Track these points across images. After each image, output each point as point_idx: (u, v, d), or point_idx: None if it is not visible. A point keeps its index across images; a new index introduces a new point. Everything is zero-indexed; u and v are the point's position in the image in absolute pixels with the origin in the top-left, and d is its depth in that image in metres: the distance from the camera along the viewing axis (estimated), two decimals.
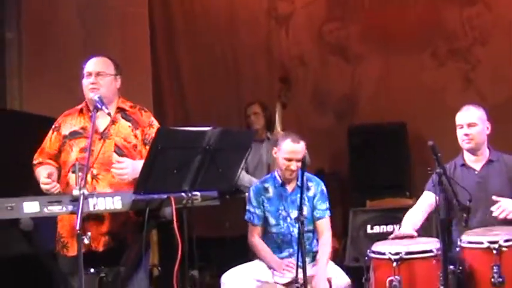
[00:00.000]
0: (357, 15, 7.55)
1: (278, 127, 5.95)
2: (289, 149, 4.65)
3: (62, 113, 4.19)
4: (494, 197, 4.26)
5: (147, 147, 4.04)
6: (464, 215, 4.10)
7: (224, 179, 3.86)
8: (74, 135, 4.01)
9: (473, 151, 4.52)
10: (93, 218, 3.84)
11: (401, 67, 7.35)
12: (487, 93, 6.92)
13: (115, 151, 3.98)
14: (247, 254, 5.07)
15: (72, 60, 6.54)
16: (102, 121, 4.00)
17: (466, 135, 4.47)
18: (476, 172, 4.51)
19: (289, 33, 7.73)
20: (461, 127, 4.50)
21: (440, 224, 3.75)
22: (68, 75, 6.45)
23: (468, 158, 4.56)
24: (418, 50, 7.32)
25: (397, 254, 4.00)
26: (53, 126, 4.12)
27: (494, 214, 4.26)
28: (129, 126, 4.06)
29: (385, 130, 7.08)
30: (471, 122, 4.47)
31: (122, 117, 4.07)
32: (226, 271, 4.65)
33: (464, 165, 4.55)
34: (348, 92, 7.59)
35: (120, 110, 4.10)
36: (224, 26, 7.78)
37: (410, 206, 6.20)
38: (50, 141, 4.09)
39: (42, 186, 3.81)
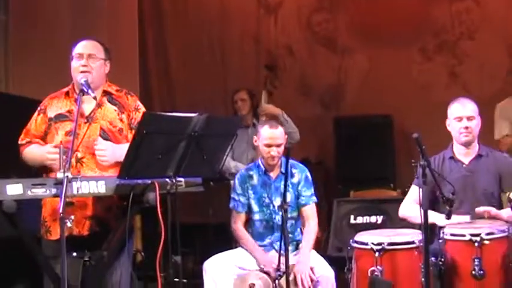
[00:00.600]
0: (346, 7, 7.60)
1: (264, 120, 5.95)
2: (268, 135, 4.67)
3: (49, 94, 4.15)
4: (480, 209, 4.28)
5: (134, 132, 4.05)
6: (448, 207, 4.11)
7: (209, 166, 3.83)
8: (59, 118, 3.97)
9: (467, 144, 4.52)
10: (78, 202, 3.81)
11: (389, 60, 7.40)
12: (473, 88, 6.97)
13: (100, 135, 3.94)
14: (230, 241, 5.09)
15: (60, 42, 6.51)
16: (88, 105, 3.96)
17: (466, 128, 4.45)
18: (464, 165, 4.52)
19: (277, 22, 7.76)
20: (460, 120, 4.47)
21: (423, 216, 3.75)
22: (55, 57, 6.42)
23: (458, 151, 4.56)
24: (406, 43, 7.38)
25: (379, 244, 4.02)
26: (39, 108, 4.06)
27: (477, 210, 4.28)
28: (115, 110, 4.02)
29: (371, 122, 7.12)
30: (470, 115, 4.47)
31: (108, 101, 4.03)
32: (209, 258, 4.64)
33: (452, 157, 4.56)
34: (334, 82, 7.64)
35: (106, 93, 4.06)
36: (213, 13, 7.80)
37: (394, 198, 6.34)
38: (36, 123, 4.03)
39: (49, 156, 3.79)
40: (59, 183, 3.50)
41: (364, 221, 6.08)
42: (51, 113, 3.99)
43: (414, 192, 4.47)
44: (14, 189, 3.50)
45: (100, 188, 3.65)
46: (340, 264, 4.61)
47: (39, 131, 4.01)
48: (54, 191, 3.52)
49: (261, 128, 4.76)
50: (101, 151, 3.85)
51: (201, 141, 3.70)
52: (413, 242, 4.04)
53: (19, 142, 4.04)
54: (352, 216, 6.15)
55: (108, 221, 3.95)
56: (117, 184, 3.67)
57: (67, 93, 4.03)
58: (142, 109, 4.12)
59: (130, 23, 7.52)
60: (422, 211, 3.75)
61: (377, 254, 3.99)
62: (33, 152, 3.97)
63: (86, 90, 3.80)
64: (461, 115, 4.48)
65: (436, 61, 7.34)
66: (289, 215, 4.43)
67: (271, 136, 4.67)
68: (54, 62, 6.38)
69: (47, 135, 3.99)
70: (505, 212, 4.32)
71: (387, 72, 7.38)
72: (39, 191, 3.53)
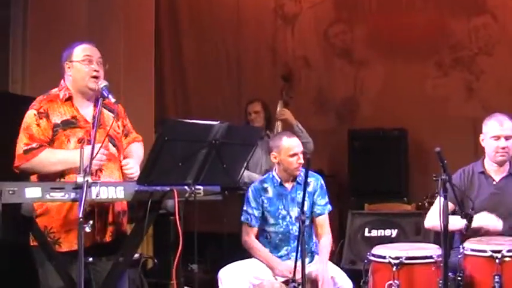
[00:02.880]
0: (363, 19, 7.57)
1: (279, 127, 5.94)
2: (291, 145, 4.68)
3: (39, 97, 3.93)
4: None
5: (127, 138, 4.07)
6: (466, 222, 4.08)
7: (228, 175, 3.82)
8: (67, 125, 3.80)
9: (502, 163, 4.46)
10: (98, 209, 3.78)
11: (405, 74, 7.36)
12: (490, 104, 6.90)
13: (109, 141, 3.90)
14: (242, 251, 5.03)
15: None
16: (87, 110, 3.88)
17: (503, 148, 4.39)
18: (494, 182, 4.47)
19: (294, 33, 7.75)
20: (498, 138, 4.39)
21: (443, 230, 3.72)
22: None
23: (489, 167, 4.50)
24: (423, 57, 7.33)
25: (397, 258, 3.99)
26: (37, 112, 3.77)
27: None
28: (113, 117, 3.90)
29: (385, 135, 7.08)
30: (508, 134, 4.39)
31: (104, 108, 3.90)
32: (220, 267, 4.62)
33: (483, 172, 4.50)
34: (350, 95, 7.62)
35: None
36: (230, 22, 7.81)
37: (409, 212, 6.33)
38: (40, 127, 3.75)
39: (99, 157, 3.65)
40: (77, 187, 3.45)
41: (379, 234, 6.06)
42: (56, 119, 3.79)
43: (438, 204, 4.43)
44: (33, 192, 3.47)
45: (119, 193, 3.63)
46: (354, 277, 4.61)
47: (46, 136, 3.76)
48: (73, 195, 3.48)
49: (280, 140, 4.74)
50: (130, 169, 3.84)
51: (221, 150, 3.68)
52: (431, 257, 4.01)
53: (26, 148, 3.72)
54: (366, 229, 6.14)
55: (121, 226, 3.95)
56: (135, 190, 3.65)
57: (68, 98, 3.85)
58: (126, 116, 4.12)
59: (146, 31, 7.53)
60: (442, 225, 3.71)
61: (394, 268, 3.96)
62: (60, 155, 3.75)
63: (106, 95, 3.72)
64: (500, 134, 4.40)
65: (453, 76, 7.28)
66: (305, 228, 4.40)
67: (295, 145, 4.69)
68: None
69: (54, 142, 3.79)
70: None
71: (403, 86, 7.35)
72: (57, 195, 3.49)
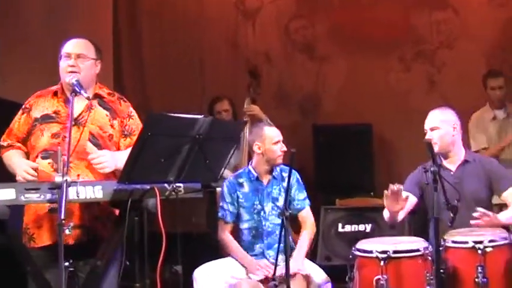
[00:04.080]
0: (325, 14, 7.53)
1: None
2: (274, 133, 4.69)
3: (24, 94, 4.02)
4: (479, 210, 4.20)
5: (128, 139, 3.91)
6: (451, 214, 4.06)
7: (210, 171, 3.73)
8: (45, 119, 3.80)
9: (442, 154, 4.50)
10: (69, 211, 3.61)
11: (368, 68, 7.36)
12: (451, 97, 6.96)
13: (89, 139, 3.78)
14: (213, 251, 4.93)
15: (33, 40, 6.37)
16: (76, 106, 3.75)
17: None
18: (452, 173, 4.49)
19: (256, 29, 7.66)
20: (426, 132, 4.51)
21: (434, 223, 3.69)
22: (27, 54, 6.25)
23: (443, 159, 4.54)
24: (385, 52, 7.34)
25: (384, 252, 3.94)
26: (23, 107, 3.89)
27: (472, 221, 4.22)
28: (107, 115, 3.87)
29: (350, 130, 7.09)
30: (433, 126, 4.48)
31: (99, 105, 3.87)
32: (191, 267, 4.50)
33: (440, 165, 4.52)
34: (312, 90, 7.58)
35: (97, 96, 3.91)
36: (191, 17, 7.67)
37: (382, 206, 6.28)
38: (19, 123, 3.86)
39: (24, 175, 3.60)
40: (54, 187, 3.35)
41: (353, 230, 6.02)
42: (36, 113, 3.82)
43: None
44: (6, 194, 3.36)
45: (97, 193, 3.51)
46: (330, 273, 4.55)
47: (22, 131, 3.85)
48: (48, 196, 3.38)
49: (262, 130, 4.70)
50: (99, 158, 3.68)
51: (204, 145, 3.58)
52: (418, 250, 3.98)
53: (1, 142, 3.90)
54: (340, 225, 6.10)
55: (96, 230, 3.80)
56: (114, 189, 3.52)
57: (55, 93, 3.87)
58: (136, 116, 4.00)
59: (105, 22, 7.36)
60: (433, 219, 3.68)
61: (382, 262, 3.91)
62: (12, 160, 3.79)
63: (78, 90, 3.65)
64: (425, 127, 4.53)
65: (415, 70, 7.32)
66: (278, 222, 4.32)
67: (277, 133, 4.71)
68: (26, 59, 6.23)
69: (31, 136, 3.82)
70: (504, 216, 4.30)
71: (365, 80, 7.34)
72: (33, 196, 3.39)
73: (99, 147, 3.79)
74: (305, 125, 7.34)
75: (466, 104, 6.76)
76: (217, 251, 4.87)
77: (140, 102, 7.60)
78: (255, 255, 4.63)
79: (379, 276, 3.88)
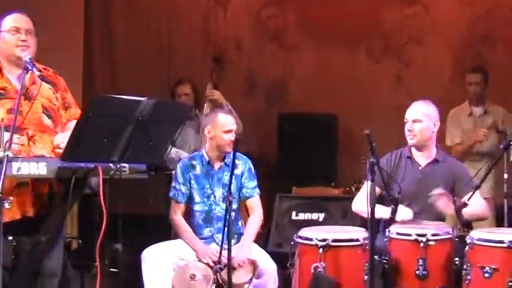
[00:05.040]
0: (296, 3, 7.55)
1: (207, 107, 5.86)
2: (228, 121, 4.70)
3: None
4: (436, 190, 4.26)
5: (67, 112, 3.95)
6: (393, 206, 4.11)
7: (154, 153, 3.73)
8: None
9: (417, 147, 4.54)
10: (17, 185, 3.64)
11: (336, 60, 7.39)
12: (417, 93, 6.95)
13: (43, 112, 3.81)
14: (168, 233, 4.98)
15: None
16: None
17: (409, 131, 4.50)
18: (420, 168, 4.54)
19: (227, 15, 7.67)
20: (407, 122, 4.51)
21: (370, 213, 3.74)
22: None
23: (415, 152, 4.58)
24: (354, 44, 7.37)
25: (323, 240, 3.99)
26: None
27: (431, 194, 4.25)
28: (50, 89, 3.87)
29: (315, 120, 7.11)
30: (416, 118, 4.49)
31: (40, 79, 3.79)
32: (145, 248, 4.56)
33: (410, 157, 4.58)
34: (280, 78, 7.60)
35: (38, 71, 3.89)
36: (163, 4, 7.71)
37: (336, 196, 6.38)
38: None
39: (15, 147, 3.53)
40: None
41: (306, 218, 6.08)
42: None
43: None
44: None
45: (41, 169, 3.50)
46: (280, 260, 4.59)
47: None
48: None
49: (216, 116, 4.74)
50: (61, 145, 3.68)
51: (148, 127, 3.59)
52: (357, 240, 4.03)
53: None
54: (294, 213, 6.15)
55: (45, 205, 3.80)
56: (58, 166, 3.52)
57: None
58: (68, 90, 4.02)
59: (76, 10, 7.35)
60: (369, 208, 3.73)
61: (321, 250, 3.97)
62: None
63: (30, 68, 3.64)
64: (407, 117, 4.53)
65: (383, 64, 7.35)
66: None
67: (230, 122, 4.71)
68: None
69: None
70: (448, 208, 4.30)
71: (334, 72, 7.38)
72: None
73: (51, 119, 3.82)
74: (271, 113, 7.38)
75: (432, 100, 6.84)
76: (171, 234, 4.92)
77: (110, 89, 7.64)
78: (204, 238, 4.68)
79: (317, 264, 3.94)
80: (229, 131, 4.66)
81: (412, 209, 4.33)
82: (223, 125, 4.67)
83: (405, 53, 7.31)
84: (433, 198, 4.22)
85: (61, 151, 3.63)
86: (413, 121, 4.48)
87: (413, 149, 4.57)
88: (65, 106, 3.95)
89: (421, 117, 4.48)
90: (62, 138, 3.70)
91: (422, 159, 4.55)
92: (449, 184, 4.43)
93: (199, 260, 4.52)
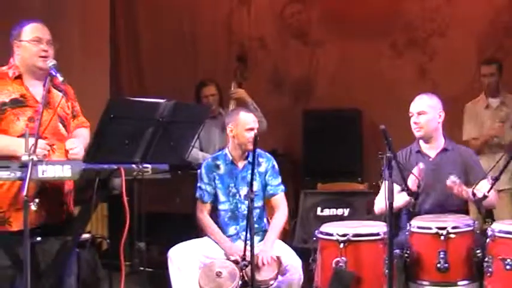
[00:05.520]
0: (319, 0, 7.56)
1: (232, 106, 5.93)
2: (250, 119, 4.74)
3: None
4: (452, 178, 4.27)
5: (75, 120, 4.03)
6: (413, 200, 4.14)
7: (176, 153, 3.80)
8: (16, 103, 3.77)
9: (425, 139, 4.59)
10: (43, 191, 3.72)
11: (360, 55, 7.39)
12: (442, 85, 6.99)
13: (59, 121, 3.89)
14: (196, 231, 5.04)
15: None
16: (37, 90, 3.84)
17: (416, 123, 4.55)
18: (430, 159, 4.57)
19: (250, 14, 7.73)
20: (412, 115, 4.58)
21: (388, 208, 3.77)
22: None
23: (423, 145, 4.63)
24: (377, 38, 7.36)
25: (344, 235, 4.03)
26: None
27: (447, 182, 4.27)
28: (62, 97, 3.92)
29: (340, 115, 7.14)
30: (420, 110, 4.54)
31: (53, 87, 3.89)
32: (172, 246, 4.64)
33: (419, 151, 4.62)
34: (305, 75, 7.65)
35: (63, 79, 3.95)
36: (186, 3, 7.79)
37: (361, 191, 6.39)
38: None
39: (40, 151, 3.56)
40: (23, 166, 3.39)
41: (331, 213, 6.10)
42: (4, 97, 3.76)
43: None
44: None
45: (65, 172, 3.55)
46: (305, 255, 4.61)
47: None
48: (19, 174, 3.41)
49: (237, 114, 4.79)
50: (73, 149, 3.78)
51: (168, 128, 3.65)
52: (378, 234, 4.06)
53: None
54: (319, 208, 6.18)
55: (69, 206, 3.93)
56: (82, 168, 3.57)
57: (18, 77, 3.82)
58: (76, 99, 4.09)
59: (101, 9, 7.46)
60: (387, 203, 3.76)
61: (341, 245, 4.01)
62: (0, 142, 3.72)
63: (55, 74, 3.69)
64: (412, 110, 4.60)
65: (406, 57, 7.35)
66: (255, 205, 4.44)
67: (252, 119, 4.75)
68: None
69: (1, 120, 3.75)
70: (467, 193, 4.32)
71: (357, 66, 7.39)
72: (3, 174, 3.42)
73: (65, 128, 3.91)
74: (296, 110, 7.43)
75: (457, 92, 6.82)
76: (200, 232, 4.99)
77: (136, 91, 7.76)
78: (230, 236, 4.76)
79: (338, 259, 3.98)
80: (251, 129, 4.70)
81: (429, 200, 4.36)
82: (245, 123, 4.72)
83: (429, 46, 7.29)
84: (448, 186, 4.24)
85: (73, 156, 3.73)
86: (419, 113, 4.54)
87: (421, 143, 4.62)
88: (74, 115, 4.04)
89: (425, 109, 4.53)
90: (75, 143, 3.80)
91: (431, 151, 4.59)
92: (462, 170, 4.47)
93: (227, 258, 4.58)
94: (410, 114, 4.59)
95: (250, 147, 4.65)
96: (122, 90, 7.81)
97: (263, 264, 4.43)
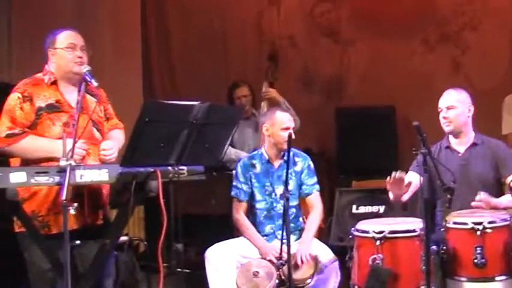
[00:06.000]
0: None
1: (264, 106, 5.95)
2: (286, 119, 4.76)
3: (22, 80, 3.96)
4: (481, 195, 4.26)
5: (108, 122, 4.10)
6: (448, 196, 4.12)
7: (210, 154, 3.84)
8: (51, 108, 3.84)
9: (454, 134, 4.57)
10: (81, 195, 3.80)
11: (391, 51, 7.38)
12: (476, 79, 6.95)
13: (93, 126, 3.95)
14: (232, 232, 5.07)
15: None
16: (71, 96, 3.91)
17: (445, 118, 4.53)
18: (460, 154, 4.56)
19: (280, 13, 7.75)
20: (441, 110, 4.56)
21: (423, 204, 3.76)
22: None
23: (452, 140, 4.61)
24: (408, 34, 7.34)
25: (380, 232, 4.03)
26: (21, 96, 3.80)
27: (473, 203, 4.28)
28: (95, 102, 4.01)
29: (373, 112, 7.13)
30: (449, 105, 4.53)
31: (87, 93, 3.94)
32: (208, 247, 4.66)
33: (448, 147, 4.61)
34: (336, 73, 7.64)
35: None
36: (216, 4, 7.81)
37: None
38: (23, 111, 3.79)
39: (79, 151, 3.66)
40: (61, 171, 3.46)
41: (366, 211, 6.08)
42: (40, 102, 3.82)
43: (409, 177, 4.47)
44: (18, 177, 3.46)
45: (103, 175, 3.61)
46: (341, 253, 4.62)
47: (28, 120, 3.80)
48: (57, 178, 3.47)
49: (274, 113, 4.80)
50: (107, 151, 3.84)
51: (202, 130, 3.70)
52: (414, 231, 4.04)
53: (9, 132, 3.76)
54: (354, 206, 6.17)
55: (106, 209, 3.99)
56: (119, 172, 3.64)
57: (53, 83, 3.90)
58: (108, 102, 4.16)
59: (132, 11, 7.54)
60: (423, 200, 3.75)
61: (378, 242, 4.00)
62: (40, 142, 3.79)
63: (89, 79, 3.76)
64: (441, 105, 4.58)
65: (439, 52, 7.31)
66: (290, 204, 4.45)
67: (288, 119, 4.76)
68: None
69: (37, 125, 3.82)
70: (504, 199, 4.34)
71: (389, 63, 7.37)
72: (42, 179, 3.49)
73: (99, 132, 3.98)
74: (328, 108, 7.42)
75: (490, 86, 6.78)
76: (236, 232, 5.02)
77: (169, 92, 7.82)
78: (266, 235, 4.78)
79: (375, 256, 3.98)
80: (287, 128, 4.71)
81: (460, 196, 4.33)
82: (281, 122, 4.73)
83: (461, 40, 7.25)
84: (475, 206, 4.25)
85: (105, 157, 3.82)
86: (448, 108, 4.52)
87: (451, 138, 4.60)
88: (106, 117, 4.10)
89: (454, 103, 4.51)
90: (109, 144, 3.87)
91: (460, 146, 4.57)
92: (492, 165, 4.46)
93: (263, 258, 4.60)
94: (439, 110, 4.57)
95: (285, 146, 4.67)
96: (154, 91, 7.88)
97: (302, 262, 4.44)
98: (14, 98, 3.82)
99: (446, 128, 4.54)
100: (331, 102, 7.51)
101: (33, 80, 3.91)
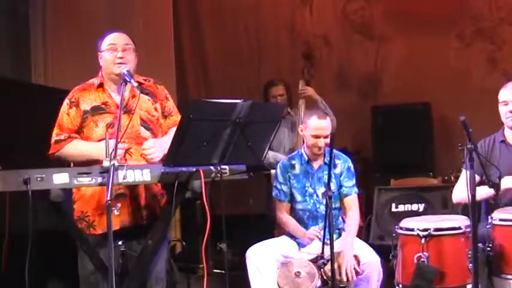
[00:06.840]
0: None
1: (301, 105, 5.92)
2: (316, 126, 4.65)
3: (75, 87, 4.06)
4: None
5: (167, 120, 4.08)
6: (494, 191, 4.05)
7: (253, 153, 3.81)
8: (96, 110, 3.91)
9: None
10: (130, 193, 3.84)
11: (426, 47, 7.30)
12: None
13: (141, 125, 3.95)
14: (270, 232, 5.05)
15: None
16: (119, 96, 3.88)
17: (511, 112, 4.39)
18: None
19: (313, 12, 7.72)
20: (506, 104, 4.42)
21: (470, 200, 3.70)
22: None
23: (509, 135, 4.49)
24: (443, 30, 7.26)
25: (425, 230, 3.98)
26: (68, 102, 3.94)
27: None
28: (149, 100, 4.02)
29: (409, 110, 7.06)
30: None
31: (139, 91, 3.92)
32: (248, 247, 4.63)
33: (503, 141, 4.49)
34: (371, 71, 7.59)
35: (138, 84, 4.04)
36: (248, 3, 7.79)
37: (435, 186, 6.30)
38: (69, 116, 3.91)
39: (118, 151, 3.58)
40: (104, 171, 3.49)
41: (406, 209, 6.05)
42: (85, 106, 3.91)
43: (465, 177, 4.39)
44: (61, 178, 3.49)
45: (145, 176, 3.64)
46: (381, 252, 4.58)
47: (74, 124, 3.91)
48: (99, 179, 3.51)
49: (309, 118, 4.73)
50: (149, 149, 3.84)
51: (245, 128, 3.68)
52: (459, 228, 3.99)
53: (56, 138, 3.91)
54: (393, 205, 6.13)
55: (155, 209, 3.97)
56: (162, 172, 3.66)
57: (100, 85, 3.97)
58: (170, 97, 4.16)
59: (165, 14, 7.56)
60: (470, 195, 3.69)
61: (423, 240, 3.95)
62: (85, 146, 3.87)
63: (128, 79, 3.77)
64: (506, 99, 4.42)
65: (475, 47, 7.23)
66: (333, 205, 4.39)
67: (320, 127, 4.65)
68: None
69: (83, 128, 3.92)
70: None
71: (424, 60, 7.29)
72: (85, 180, 3.52)
73: (150, 130, 3.98)
74: (364, 106, 7.36)
75: None
76: (273, 232, 5.00)
77: (202, 91, 7.82)
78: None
79: (420, 254, 3.93)
80: (317, 137, 4.64)
81: (510, 192, 4.26)
82: (312, 128, 4.67)
83: (497, 35, 7.16)
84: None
85: (148, 156, 3.81)
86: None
87: (508, 132, 4.48)
88: (164, 115, 4.09)
89: None
90: (151, 144, 3.86)
91: None
92: None
93: (302, 256, 4.56)
94: (503, 103, 4.43)
95: (316, 152, 4.66)
96: (188, 92, 7.89)
97: (347, 279, 4.35)
98: (64, 105, 3.96)
99: (510, 123, 4.42)
100: (366, 101, 7.46)
101: (84, 85, 4.02)
